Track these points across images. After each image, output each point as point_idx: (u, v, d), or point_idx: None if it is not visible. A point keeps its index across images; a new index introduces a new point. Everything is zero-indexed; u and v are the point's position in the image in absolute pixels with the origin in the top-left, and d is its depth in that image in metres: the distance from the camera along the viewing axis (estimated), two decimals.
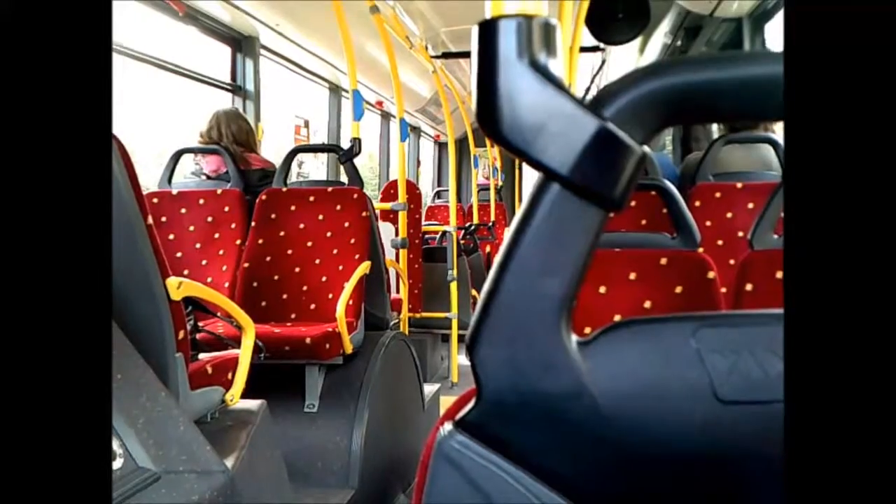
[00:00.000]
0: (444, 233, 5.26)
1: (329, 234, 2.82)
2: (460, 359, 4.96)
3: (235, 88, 3.83)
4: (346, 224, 2.82)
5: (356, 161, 2.96)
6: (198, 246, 2.95)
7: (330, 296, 2.74)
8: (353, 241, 2.80)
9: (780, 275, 1.59)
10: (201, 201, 2.98)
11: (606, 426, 0.44)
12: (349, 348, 2.50)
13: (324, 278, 2.79)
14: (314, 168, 5.71)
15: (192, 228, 2.96)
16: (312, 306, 2.77)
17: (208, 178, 3.08)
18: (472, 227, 6.15)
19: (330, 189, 2.89)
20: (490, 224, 6.75)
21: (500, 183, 7.86)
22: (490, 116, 0.42)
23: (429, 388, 3.40)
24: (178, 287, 1.46)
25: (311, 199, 2.86)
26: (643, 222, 2.38)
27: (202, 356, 1.69)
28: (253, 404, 1.80)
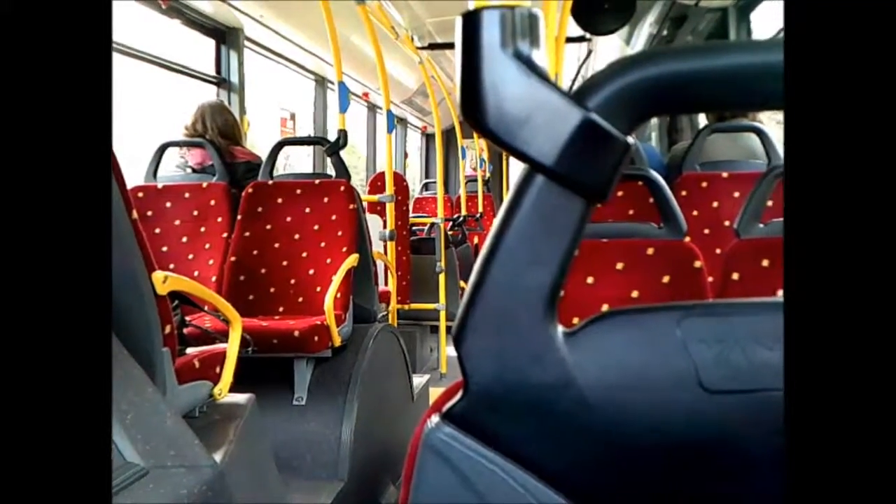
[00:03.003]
0: (432, 224, 5.25)
1: (316, 226, 2.81)
2: (449, 350, 4.96)
3: (220, 81, 3.80)
4: (334, 217, 2.81)
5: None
6: (184, 240, 2.93)
7: (318, 289, 2.73)
8: (340, 233, 2.79)
9: (766, 263, 1.60)
10: (187, 195, 2.96)
11: (593, 416, 0.44)
12: (337, 341, 2.50)
13: (311, 271, 2.78)
14: (297, 161, 5.69)
15: (177, 222, 2.94)
16: (300, 299, 2.76)
17: (193, 171, 3.06)
18: (461, 219, 6.14)
19: (317, 182, 2.88)
20: (478, 215, 6.75)
21: (487, 174, 7.86)
22: (474, 108, 0.42)
23: (418, 380, 3.41)
24: (164, 281, 1.45)
25: (298, 191, 2.85)
26: (630, 212, 2.39)
27: (189, 351, 1.69)
28: (241, 398, 1.80)
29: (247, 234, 2.80)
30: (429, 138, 8.45)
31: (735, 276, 1.62)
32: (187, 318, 1.76)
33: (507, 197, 0.45)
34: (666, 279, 1.59)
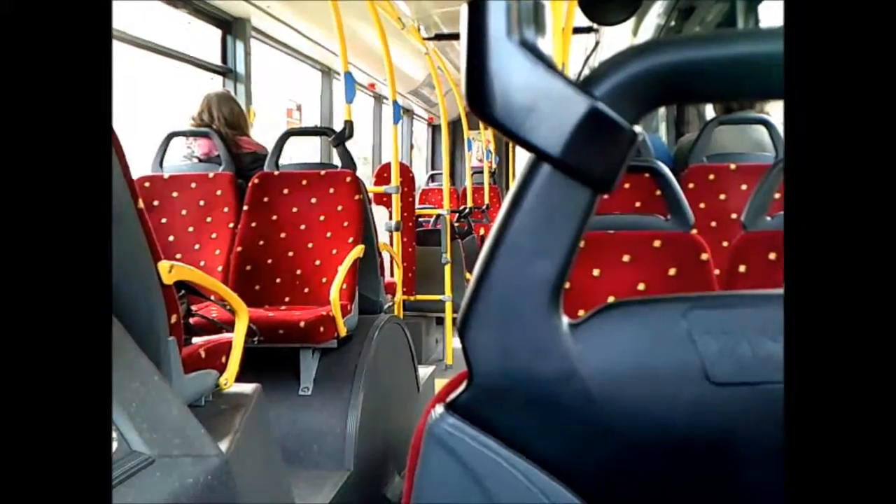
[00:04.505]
0: (438, 216, 5.25)
1: (322, 217, 2.81)
2: (455, 341, 4.97)
3: (226, 71, 3.80)
4: (340, 207, 2.81)
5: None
6: (190, 230, 2.93)
7: (324, 279, 2.74)
8: (346, 224, 2.79)
9: (772, 256, 1.59)
10: (193, 185, 2.96)
11: (597, 409, 0.44)
12: (343, 332, 2.50)
13: (317, 262, 2.78)
14: (300, 152, 5.67)
15: (184, 212, 2.94)
16: (306, 290, 2.76)
17: (200, 161, 3.06)
18: (467, 210, 6.14)
19: (323, 172, 2.88)
20: (484, 207, 6.74)
21: (493, 165, 7.84)
22: (480, 97, 0.42)
23: (423, 371, 3.41)
24: (170, 271, 1.46)
25: (304, 182, 2.85)
26: (637, 204, 2.38)
27: (195, 340, 1.69)
28: (247, 388, 1.80)
29: (253, 224, 2.81)
30: (435, 129, 8.43)
31: (742, 268, 1.62)
32: (193, 308, 1.76)
33: (512, 187, 0.45)
34: (672, 272, 1.59)
